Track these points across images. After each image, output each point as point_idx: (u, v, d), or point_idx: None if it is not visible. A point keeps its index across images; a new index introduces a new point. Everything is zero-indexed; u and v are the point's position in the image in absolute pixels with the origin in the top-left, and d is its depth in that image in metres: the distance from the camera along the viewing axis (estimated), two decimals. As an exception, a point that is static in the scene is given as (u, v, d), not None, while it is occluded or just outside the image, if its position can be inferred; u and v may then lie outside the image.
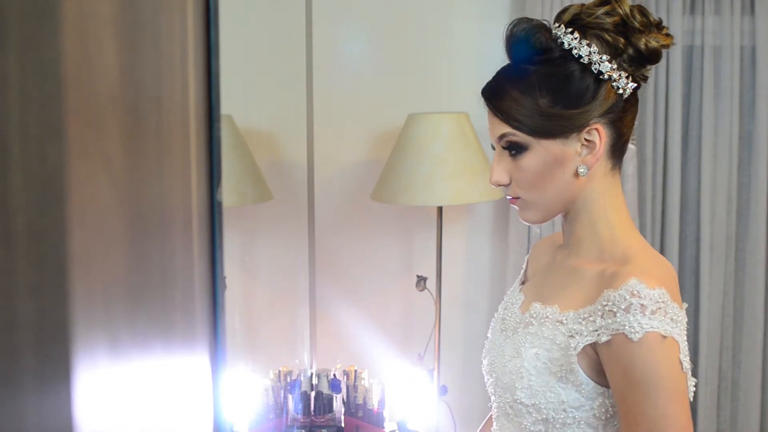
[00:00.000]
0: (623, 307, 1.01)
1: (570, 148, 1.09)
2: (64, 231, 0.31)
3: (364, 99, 2.43)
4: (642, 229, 2.51)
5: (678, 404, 0.98)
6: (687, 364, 1.02)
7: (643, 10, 1.09)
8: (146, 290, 0.42)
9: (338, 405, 2.09)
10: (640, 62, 1.09)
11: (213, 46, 0.50)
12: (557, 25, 1.10)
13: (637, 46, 1.07)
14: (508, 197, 1.15)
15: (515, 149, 1.10)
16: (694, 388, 1.09)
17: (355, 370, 2.21)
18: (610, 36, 1.07)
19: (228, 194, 1.97)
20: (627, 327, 0.99)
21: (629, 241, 1.10)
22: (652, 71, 1.15)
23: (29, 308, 0.31)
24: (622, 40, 1.07)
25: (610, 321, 1.01)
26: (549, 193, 1.11)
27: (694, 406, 2.59)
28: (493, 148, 1.15)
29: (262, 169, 2.19)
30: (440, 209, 2.24)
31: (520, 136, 1.09)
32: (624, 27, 1.08)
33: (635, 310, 1.00)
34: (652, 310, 1.00)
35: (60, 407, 0.31)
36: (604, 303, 1.03)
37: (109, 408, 0.36)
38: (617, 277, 1.03)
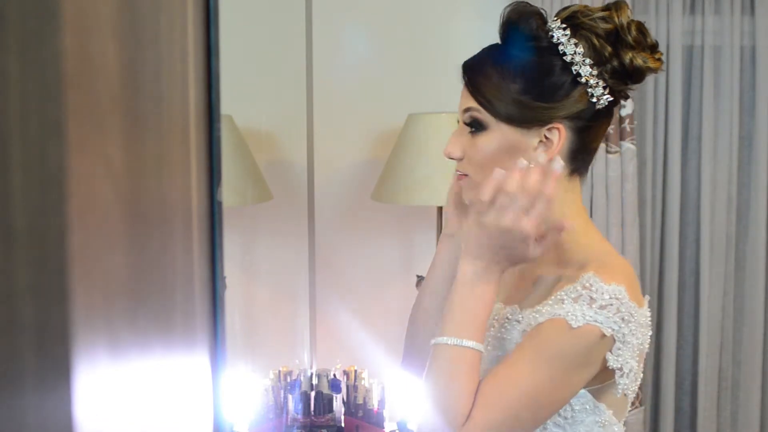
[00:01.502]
0: (573, 296, 1.01)
1: (527, 140, 1.07)
2: (64, 231, 0.31)
3: (364, 99, 2.43)
4: (642, 229, 2.51)
5: (550, 386, 0.99)
6: (615, 363, 1.00)
7: (641, 28, 1.08)
8: (146, 290, 0.42)
9: (338, 405, 2.09)
10: (621, 77, 1.07)
11: (213, 46, 0.50)
12: (555, 18, 1.10)
13: (623, 59, 1.06)
14: (457, 173, 1.14)
15: (475, 126, 1.09)
16: (636, 388, 1.08)
17: (355, 370, 2.21)
18: (598, 41, 1.06)
19: (228, 194, 1.97)
20: (570, 315, 0.99)
21: (590, 245, 1.09)
22: (633, 92, 1.14)
23: (29, 308, 0.31)
24: (609, 49, 1.06)
25: (556, 308, 1.01)
26: None
27: (693, 406, 2.59)
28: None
29: (262, 169, 2.19)
30: (440, 209, 2.24)
31: (482, 114, 1.08)
32: (616, 37, 1.06)
33: (583, 300, 1.00)
34: (601, 305, 0.99)
35: (60, 407, 0.31)
36: (558, 296, 1.02)
37: (109, 408, 0.36)
38: (576, 277, 1.03)
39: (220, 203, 0.52)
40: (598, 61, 1.06)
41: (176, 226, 0.47)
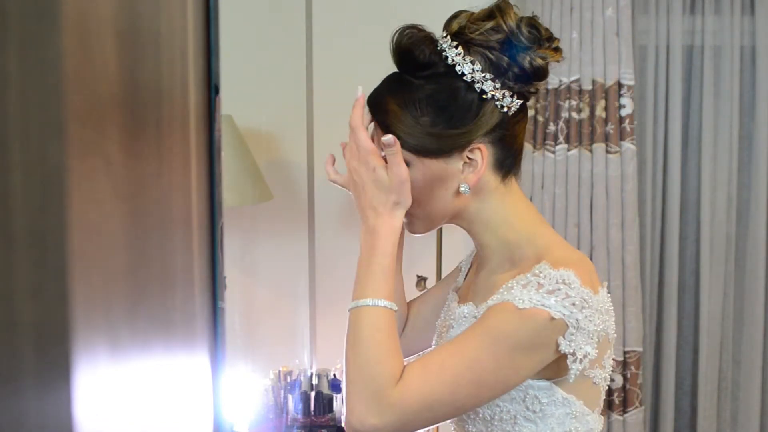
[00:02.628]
0: (522, 283, 1.00)
1: (451, 166, 1.06)
2: (64, 231, 0.31)
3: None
4: (642, 229, 2.51)
5: (494, 366, 0.98)
6: (567, 347, 0.99)
7: (532, 23, 1.05)
8: (146, 290, 0.42)
9: (338, 405, 2.09)
10: (525, 80, 1.05)
11: (213, 46, 0.50)
12: (444, 35, 1.07)
13: (521, 64, 1.03)
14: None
15: None
16: (608, 377, 1.08)
17: (355, 370, 2.21)
18: (493, 54, 1.03)
19: (228, 194, 1.97)
20: (517, 299, 0.99)
21: (538, 239, 1.08)
22: (541, 87, 1.13)
23: (29, 308, 0.31)
24: (506, 59, 1.03)
25: (506, 294, 1.01)
26: (431, 209, 1.10)
27: (693, 406, 2.59)
28: None
29: (262, 169, 2.19)
30: (440, 209, 2.23)
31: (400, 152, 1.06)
32: (510, 44, 1.04)
33: (531, 286, 0.99)
34: (549, 290, 0.98)
35: (60, 407, 0.31)
36: (508, 284, 1.02)
37: (109, 408, 0.36)
38: (528, 268, 1.03)
39: (220, 203, 0.52)
40: (498, 73, 1.04)
41: (176, 226, 0.47)
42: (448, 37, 1.07)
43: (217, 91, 0.51)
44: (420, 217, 1.12)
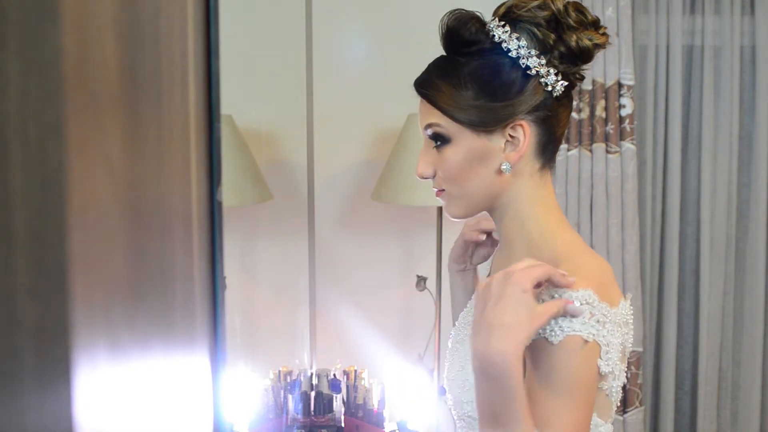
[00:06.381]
0: None
1: (494, 143, 1.07)
2: (64, 231, 0.31)
3: (364, 99, 2.43)
4: (642, 229, 2.51)
5: (582, 413, 0.96)
6: (606, 367, 0.99)
7: (579, 7, 1.07)
8: (146, 290, 0.42)
9: (338, 405, 2.09)
10: (571, 60, 1.06)
11: (213, 46, 0.50)
12: (492, 18, 1.08)
13: (568, 43, 1.05)
14: (435, 189, 1.14)
15: (439, 140, 1.09)
16: (620, 387, 1.07)
17: (355, 370, 2.21)
18: (540, 31, 1.05)
19: (228, 194, 1.97)
20: (548, 331, 0.97)
21: (559, 243, 1.07)
22: (588, 71, 1.12)
23: (29, 308, 0.31)
24: (552, 36, 1.05)
25: None
26: (471, 188, 1.09)
27: (693, 406, 2.59)
28: None
29: (262, 169, 2.19)
30: (440, 209, 2.24)
31: (443, 127, 1.07)
32: (557, 23, 1.05)
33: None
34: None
35: (60, 407, 0.31)
36: None
37: (109, 408, 0.36)
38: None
39: (220, 203, 0.52)
40: (544, 49, 1.05)
41: (176, 226, 0.47)
42: (495, 19, 1.08)
43: (217, 92, 0.51)
44: (459, 196, 1.11)
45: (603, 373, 0.99)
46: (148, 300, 0.42)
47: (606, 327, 0.99)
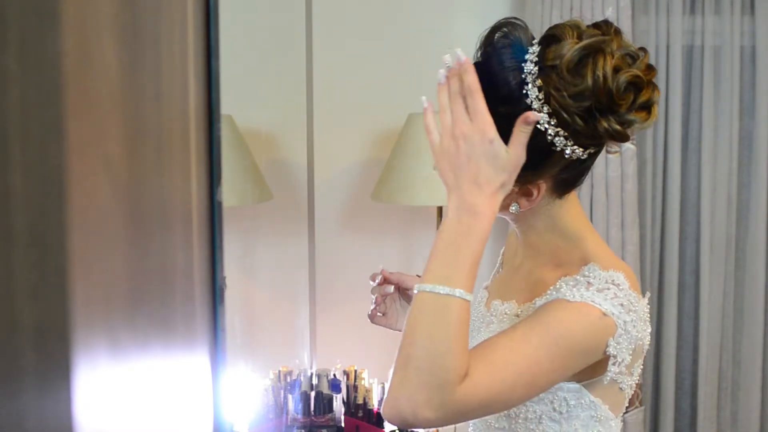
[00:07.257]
0: (571, 284, 1.00)
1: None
2: (64, 231, 0.31)
3: (364, 99, 2.43)
4: (642, 229, 2.51)
5: (549, 368, 0.95)
6: (614, 350, 0.98)
7: (635, 80, 0.95)
8: (146, 290, 0.42)
9: (338, 405, 2.09)
10: (600, 141, 0.99)
11: (213, 46, 0.50)
12: (535, 60, 0.96)
13: (598, 130, 0.95)
14: None
15: None
16: (634, 385, 1.08)
17: (355, 370, 2.21)
18: (570, 117, 0.95)
19: (228, 194, 1.97)
20: (568, 295, 0.98)
21: (589, 243, 1.07)
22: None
23: (29, 308, 0.31)
24: (581, 124, 0.95)
25: (554, 294, 1.01)
26: None
27: (693, 406, 2.59)
28: None
29: (262, 169, 2.19)
30: (440, 209, 2.24)
31: None
32: (590, 111, 0.95)
33: (581, 285, 0.99)
34: (599, 288, 0.98)
35: (60, 407, 0.31)
36: (556, 286, 1.02)
37: (109, 408, 0.36)
38: (576, 271, 1.02)
39: (220, 203, 0.52)
40: (573, 132, 0.96)
41: (176, 226, 0.47)
42: (536, 68, 0.96)
43: (217, 92, 0.51)
44: None
45: (609, 354, 1.00)
46: (148, 300, 0.42)
47: (630, 315, 0.99)
